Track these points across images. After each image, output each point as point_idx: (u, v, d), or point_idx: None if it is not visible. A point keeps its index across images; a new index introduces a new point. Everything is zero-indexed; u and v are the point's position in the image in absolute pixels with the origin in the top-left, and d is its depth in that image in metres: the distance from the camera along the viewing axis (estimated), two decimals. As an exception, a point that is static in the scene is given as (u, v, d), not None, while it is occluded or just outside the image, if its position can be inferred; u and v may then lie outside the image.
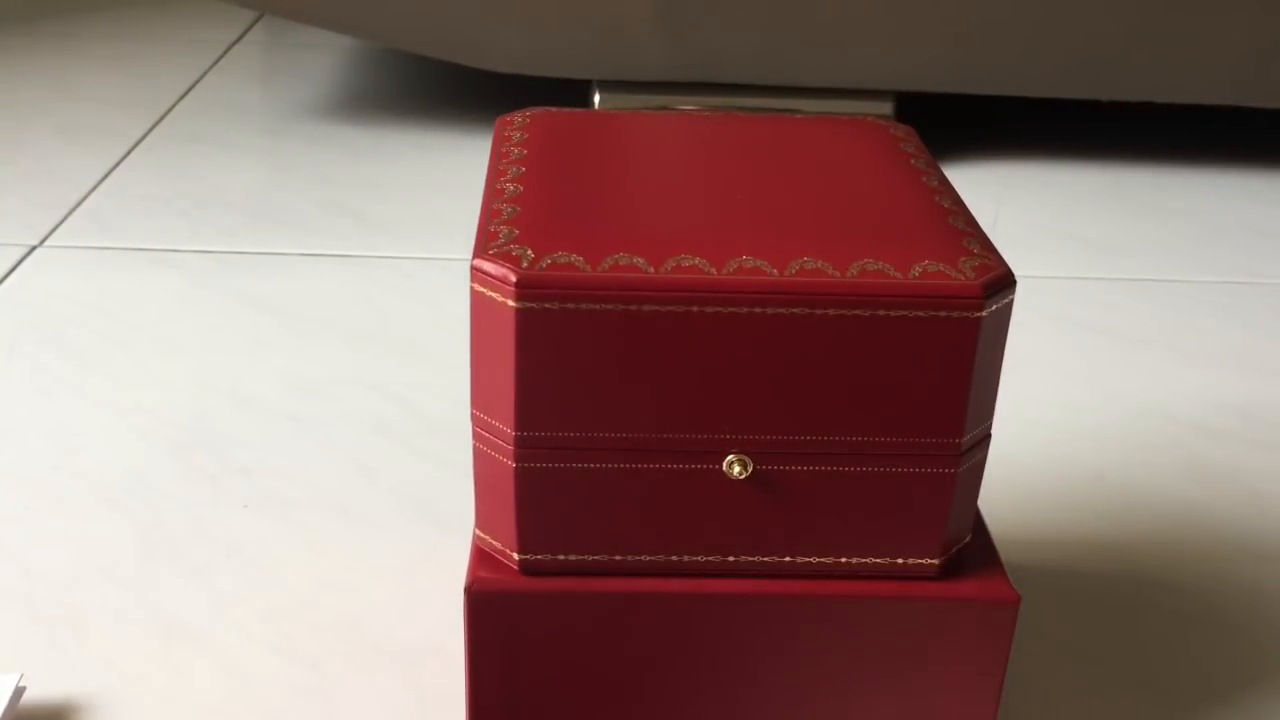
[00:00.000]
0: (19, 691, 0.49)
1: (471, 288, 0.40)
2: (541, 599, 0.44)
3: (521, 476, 0.42)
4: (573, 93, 1.04)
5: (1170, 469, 0.68)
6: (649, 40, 0.99)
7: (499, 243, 0.40)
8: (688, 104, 1.02)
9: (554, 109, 0.50)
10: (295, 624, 0.54)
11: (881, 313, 0.39)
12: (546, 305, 0.39)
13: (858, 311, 0.39)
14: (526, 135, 0.47)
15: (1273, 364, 0.79)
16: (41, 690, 0.50)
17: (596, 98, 1.03)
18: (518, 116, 0.49)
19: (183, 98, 1.17)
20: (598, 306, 0.39)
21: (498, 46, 1.01)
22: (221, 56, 1.29)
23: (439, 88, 1.19)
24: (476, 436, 0.43)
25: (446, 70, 1.16)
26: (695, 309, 0.39)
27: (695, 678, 0.45)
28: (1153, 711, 0.52)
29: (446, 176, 1.02)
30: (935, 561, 0.44)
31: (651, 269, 0.39)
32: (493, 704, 0.46)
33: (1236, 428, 0.72)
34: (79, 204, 0.95)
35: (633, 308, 0.39)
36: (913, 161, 0.47)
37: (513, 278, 0.38)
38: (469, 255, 0.91)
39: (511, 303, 0.39)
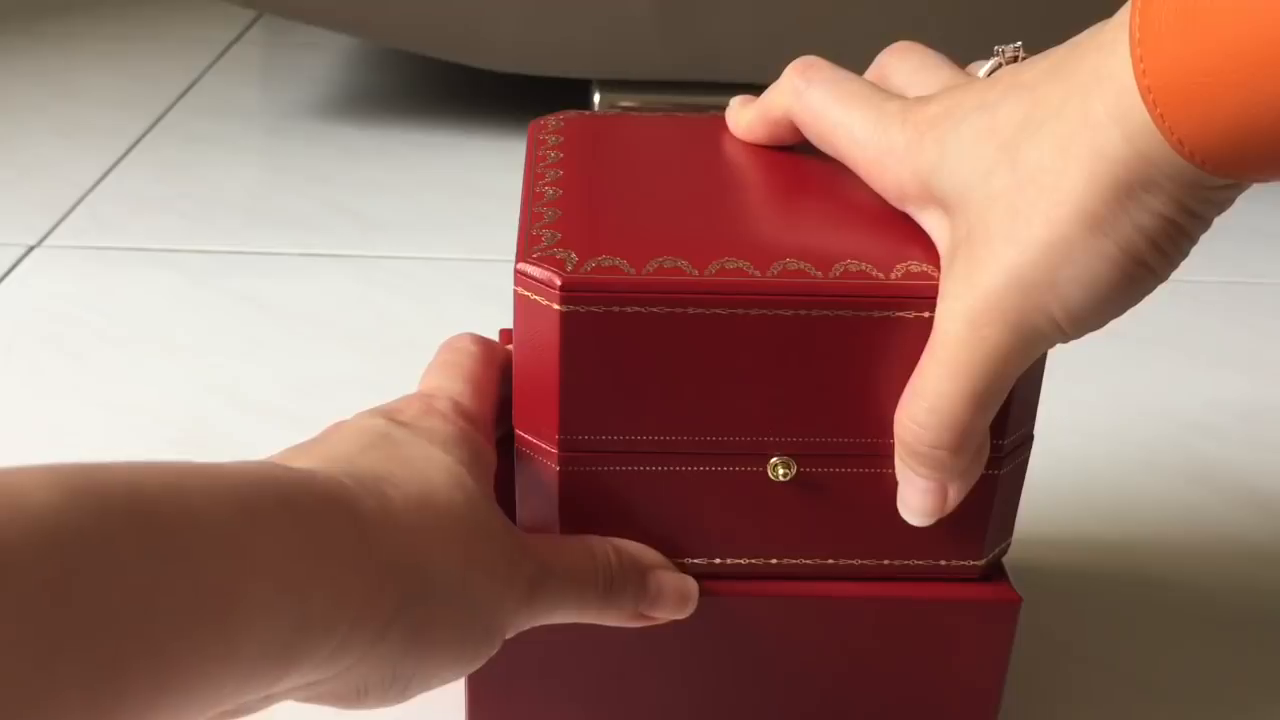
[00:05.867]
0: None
1: (515, 291, 0.40)
2: None
3: (565, 480, 0.41)
4: (572, 92, 1.04)
5: (1170, 469, 0.68)
6: (649, 39, 0.99)
7: (542, 246, 0.39)
8: (689, 104, 1.02)
9: (587, 112, 0.50)
10: (294, 624, 0.54)
11: (926, 315, 0.39)
12: (591, 308, 0.38)
13: (902, 314, 0.39)
14: (562, 138, 0.46)
15: (1274, 364, 0.79)
16: (40, 691, 0.50)
17: (596, 97, 1.03)
18: (552, 119, 0.48)
19: (182, 97, 1.17)
20: (642, 309, 0.38)
21: (497, 45, 1.01)
22: (221, 56, 1.29)
23: (439, 88, 1.19)
24: (518, 440, 0.42)
25: (446, 70, 1.16)
26: (740, 311, 0.39)
27: (703, 677, 0.45)
28: (1153, 711, 0.52)
29: (446, 176, 1.02)
30: (979, 563, 0.44)
31: (696, 271, 0.39)
32: (493, 706, 0.46)
33: (1237, 428, 0.72)
34: (78, 204, 0.95)
35: (677, 310, 0.38)
36: None
37: (558, 281, 0.38)
38: (469, 255, 0.91)
39: (556, 306, 0.38)
